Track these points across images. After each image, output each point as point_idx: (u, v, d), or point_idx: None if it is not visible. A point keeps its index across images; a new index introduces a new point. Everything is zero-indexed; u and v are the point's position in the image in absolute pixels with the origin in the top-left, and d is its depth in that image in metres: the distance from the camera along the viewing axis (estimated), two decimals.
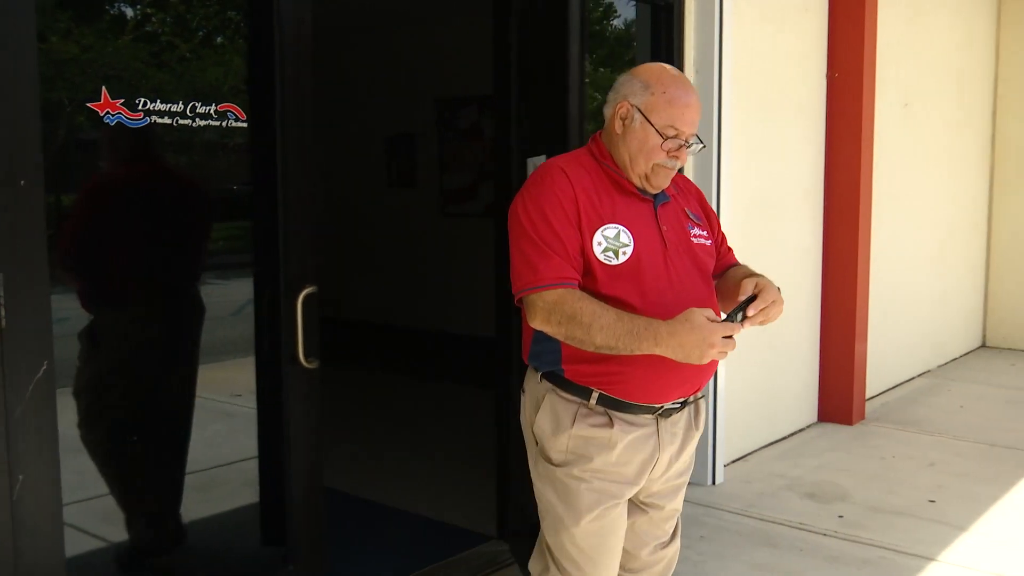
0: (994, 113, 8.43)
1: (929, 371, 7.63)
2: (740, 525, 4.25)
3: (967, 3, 7.79)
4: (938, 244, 7.61)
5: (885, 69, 6.26)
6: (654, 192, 2.25)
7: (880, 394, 6.79)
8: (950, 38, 7.51)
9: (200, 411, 2.80)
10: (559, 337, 2.12)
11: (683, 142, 2.19)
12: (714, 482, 4.76)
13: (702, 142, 2.32)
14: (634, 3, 4.48)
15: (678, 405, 2.28)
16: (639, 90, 2.20)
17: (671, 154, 2.19)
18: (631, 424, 2.21)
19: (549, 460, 2.27)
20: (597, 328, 2.03)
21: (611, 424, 2.20)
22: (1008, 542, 4.04)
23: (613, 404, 2.20)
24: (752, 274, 2.26)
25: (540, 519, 2.38)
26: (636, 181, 2.23)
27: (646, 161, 2.19)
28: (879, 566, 3.80)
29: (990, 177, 8.49)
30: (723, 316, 2.12)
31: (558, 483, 2.26)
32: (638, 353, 2.05)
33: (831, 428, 5.90)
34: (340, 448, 4.60)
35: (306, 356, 2.85)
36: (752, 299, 2.09)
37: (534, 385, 2.32)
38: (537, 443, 2.31)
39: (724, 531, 4.15)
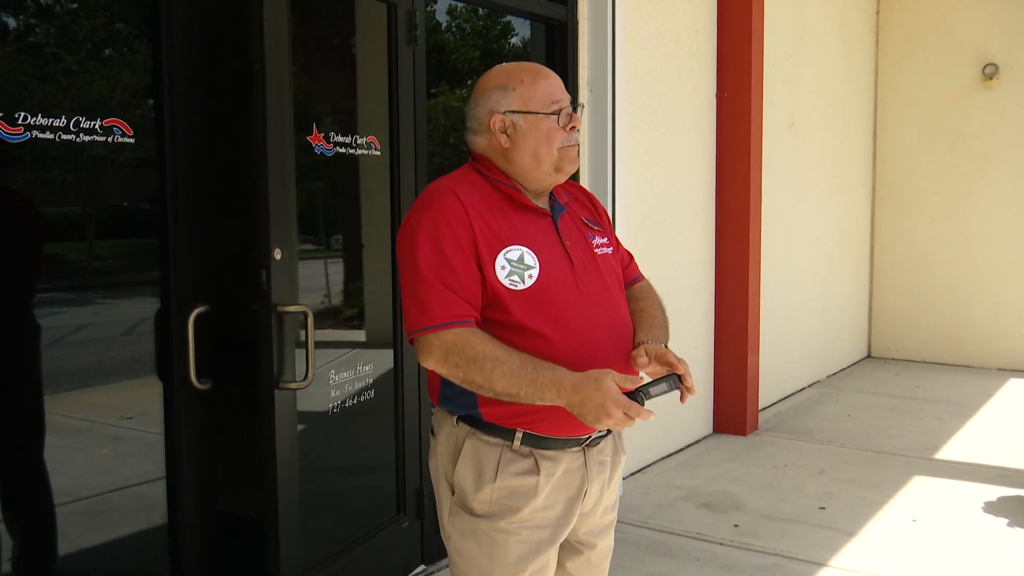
0: (874, 133, 8.79)
1: (819, 381, 7.88)
2: (639, 537, 4.30)
3: (849, 28, 8.12)
4: (825, 258, 7.88)
5: (772, 89, 6.47)
6: (558, 183, 2.15)
7: (772, 405, 6.98)
8: (833, 61, 7.81)
9: (88, 435, 2.71)
10: (454, 380, 1.96)
11: (571, 109, 2.09)
12: None
13: (581, 104, 2.24)
14: (529, 22, 4.53)
15: (605, 432, 2.15)
16: (500, 96, 2.08)
17: (568, 128, 2.08)
18: (555, 461, 2.06)
19: (471, 512, 2.07)
20: (499, 375, 1.88)
21: (537, 470, 2.04)
22: (893, 544, 4.19)
23: (539, 442, 2.04)
24: (647, 329, 2.17)
25: (455, 574, 2.17)
26: (548, 180, 2.11)
27: (550, 149, 2.06)
28: (773, 573, 3.90)
29: (872, 193, 8.85)
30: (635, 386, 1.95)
31: (482, 536, 2.06)
32: (539, 404, 1.91)
33: (726, 439, 6.04)
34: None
35: (198, 377, 2.79)
36: (662, 382, 1.96)
37: (449, 430, 2.11)
38: (454, 493, 2.10)
39: (623, 543, 4.19)
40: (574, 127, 2.11)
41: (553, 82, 2.11)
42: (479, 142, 2.13)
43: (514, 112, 2.07)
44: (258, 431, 2.90)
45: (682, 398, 2.03)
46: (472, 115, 2.13)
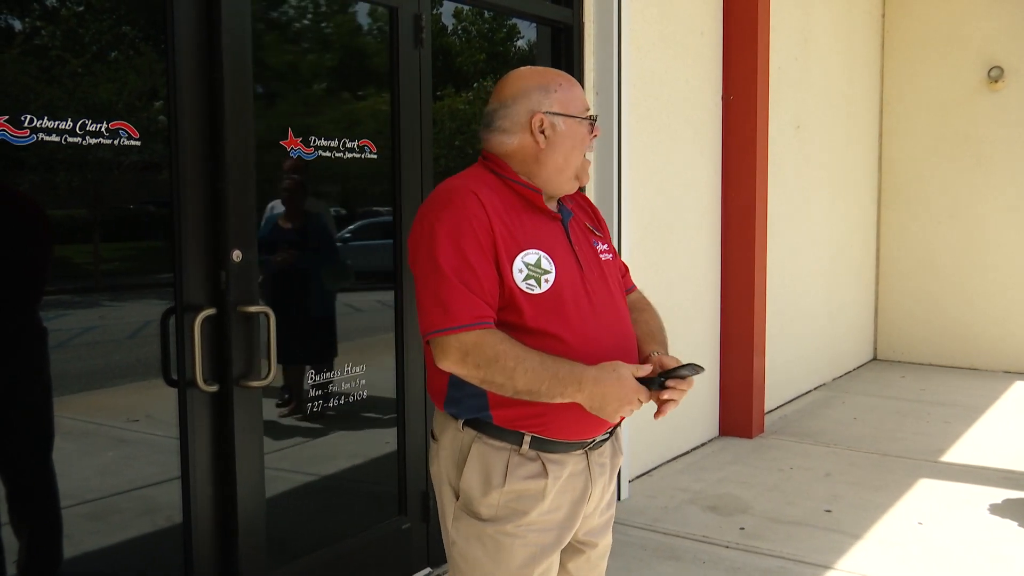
0: (880, 135, 8.78)
1: (824, 384, 7.86)
2: (645, 540, 4.29)
3: (855, 31, 8.11)
4: (830, 260, 7.86)
5: (778, 92, 6.46)
6: (571, 192, 2.17)
7: (778, 407, 6.97)
8: (839, 63, 7.79)
9: (94, 437, 2.72)
10: (473, 381, 1.96)
11: (595, 119, 2.14)
12: (619, 497, 4.80)
13: (595, 114, 2.31)
14: (535, 25, 4.53)
15: (607, 435, 2.18)
16: (542, 96, 2.08)
17: (591, 137, 2.13)
18: (561, 465, 2.07)
19: (477, 516, 2.06)
20: (521, 372, 1.89)
21: (545, 474, 2.04)
22: (899, 547, 4.18)
23: (546, 446, 2.04)
24: (655, 342, 2.20)
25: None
26: (566, 187, 2.13)
27: (579, 156, 2.11)
28: None
29: (878, 196, 8.83)
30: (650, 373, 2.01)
31: (487, 540, 2.06)
32: (559, 400, 1.93)
33: (732, 442, 6.03)
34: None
35: (204, 380, 2.79)
36: (678, 371, 1.99)
37: (454, 434, 2.09)
38: (458, 498, 2.10)
39: (630, 546, 4.19)
40: (596, 135, 2.16)
41: (582, 90, 2.16)
42: (509, 142, 2.10)
43: (555, 114, 2.08)
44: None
45: (657, 413, 2.06)
46: (505, 114, 2.10)
